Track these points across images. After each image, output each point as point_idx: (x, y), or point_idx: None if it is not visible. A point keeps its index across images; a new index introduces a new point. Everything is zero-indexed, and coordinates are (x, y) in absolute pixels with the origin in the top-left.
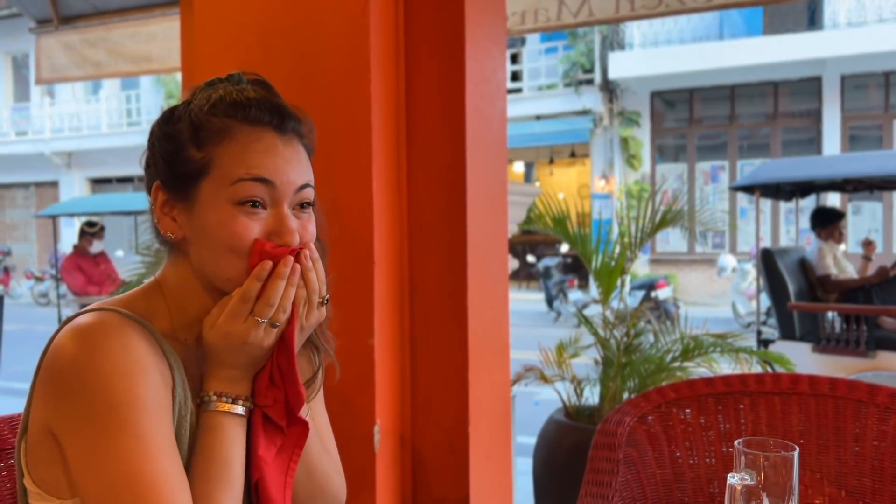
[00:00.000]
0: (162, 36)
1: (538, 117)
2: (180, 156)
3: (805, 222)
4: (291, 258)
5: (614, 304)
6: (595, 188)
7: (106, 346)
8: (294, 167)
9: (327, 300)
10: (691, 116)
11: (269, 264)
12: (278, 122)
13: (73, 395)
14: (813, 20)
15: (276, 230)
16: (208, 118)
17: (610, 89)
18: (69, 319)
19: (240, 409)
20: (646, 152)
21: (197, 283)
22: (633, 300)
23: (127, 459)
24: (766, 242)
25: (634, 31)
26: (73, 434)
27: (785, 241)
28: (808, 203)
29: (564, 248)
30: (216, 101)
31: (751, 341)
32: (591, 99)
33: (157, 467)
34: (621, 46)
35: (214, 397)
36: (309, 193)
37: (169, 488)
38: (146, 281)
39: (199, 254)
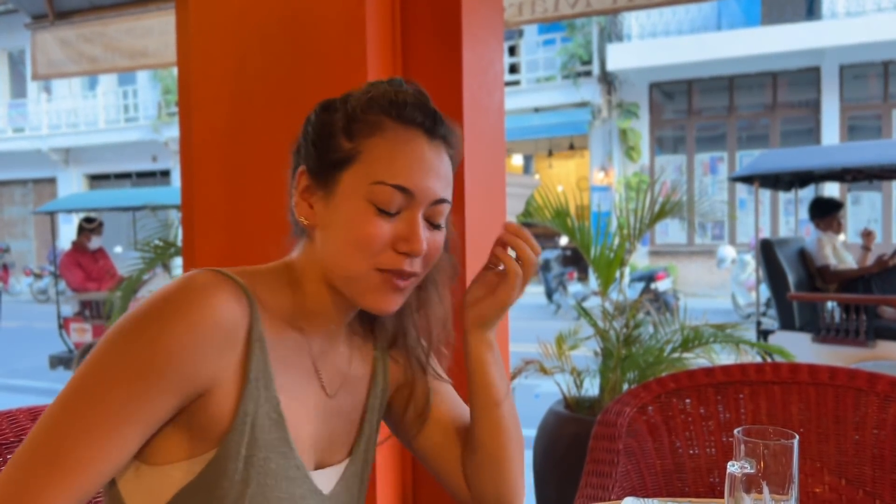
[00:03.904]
0: (158, 30)
1: (536, 109)
2: (330, 143)
3: (804, 213)
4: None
5: (614, 295)
6: (594, 180)
7: (186, 298)
8: (436, 180)
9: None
10: (690, 108)
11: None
12: (430, 124)
13: (120, 320)
14: (811, 10)
15: (404, 236)
16: (363, 111)
17: (608, 81)
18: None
19: None
20: (644, 144)
21: (318, 273)
22: (632, 292)
23: (61, 419)
24: (765, 233)
25: (633, 22)
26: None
27: (784, 231)
28: (808, 193)
29: (564, 240)
30: (373, 97)
31: (750, 332)
32: (590, 91)
33: (78, 446)
34: (619, 38)
35: None
36: (444, 209)
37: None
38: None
39: (326, 244)
